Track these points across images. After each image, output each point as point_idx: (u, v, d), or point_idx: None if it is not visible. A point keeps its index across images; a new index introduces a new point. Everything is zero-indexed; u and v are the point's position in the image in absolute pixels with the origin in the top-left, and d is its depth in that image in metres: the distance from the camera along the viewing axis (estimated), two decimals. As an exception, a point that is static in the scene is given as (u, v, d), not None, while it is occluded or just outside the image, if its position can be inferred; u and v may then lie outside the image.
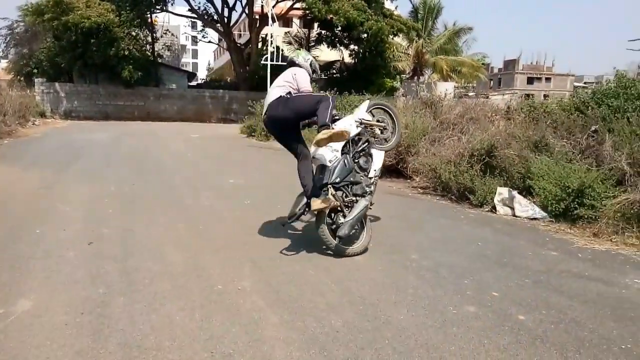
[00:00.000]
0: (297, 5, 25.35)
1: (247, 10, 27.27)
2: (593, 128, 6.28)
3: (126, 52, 22.90)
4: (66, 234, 4.33)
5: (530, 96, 19.70)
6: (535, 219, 5.57)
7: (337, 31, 26.27)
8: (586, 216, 5.07)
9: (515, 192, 5.85)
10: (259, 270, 3.59)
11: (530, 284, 3.52)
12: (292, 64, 4.40)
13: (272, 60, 18.03)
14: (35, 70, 26.37)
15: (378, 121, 4.70)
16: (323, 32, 27.61)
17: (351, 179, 4.13)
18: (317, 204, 3.88)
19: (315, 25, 27.70)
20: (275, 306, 2.96)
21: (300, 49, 4.95)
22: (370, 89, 22.65)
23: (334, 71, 29.49)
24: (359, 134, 4.35)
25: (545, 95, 42.30)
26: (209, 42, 31.63)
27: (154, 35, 27.37)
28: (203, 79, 42.90)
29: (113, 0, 22.84)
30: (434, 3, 32.04)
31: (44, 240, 4.11)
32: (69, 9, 21.22)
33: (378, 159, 4.45)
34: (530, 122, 8.03)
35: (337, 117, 4.33)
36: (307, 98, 4.06)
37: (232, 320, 2.74)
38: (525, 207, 5.70)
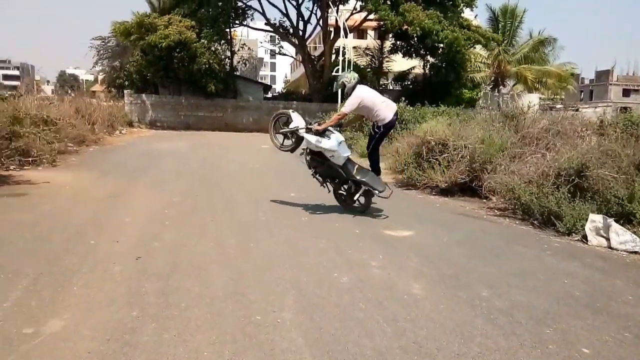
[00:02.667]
0: (371, 17, 25.06)
1: (321, 23, 27.44)
2: None
3: (206, 66, 23.84)
4: (118, 246, 4.27)
5: (628, 109, 17.87)
6: (635, 252, 4.75)
7: (412, 42, 25.63)
8: (703, 254, 4.20)
9: (611, 220, 5.04)
10: (303, 299, 3.24)
11: (632, 339, 2.86)
12: (361, 82, 6.14)
13: (343, 72, 17.82)
14: (126, 83, 28.32)
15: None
16: (398, 42, 27.09)
17: None
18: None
19: (390, 35, 27.21)
20: (315, 347, 2.59)
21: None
22: (448, 100, 21.77)
23: (408, 82, 28.79)
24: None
25: (644, 109, 38.46)
26: (284, 54, 32.24)
27: (233, 49, 28.32)
28: (279, 92, 43.87)
29: (194, 17, 23.90)
30: (515, 10, 30.32)
31: (95, 252, 4.06)
32: (151, 28, 22.58)
33: None
34: (629, 138, 7.05)
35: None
36: None
37: (263, 362, 2.41)
38: (623, 238, 4.89)
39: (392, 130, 6.59)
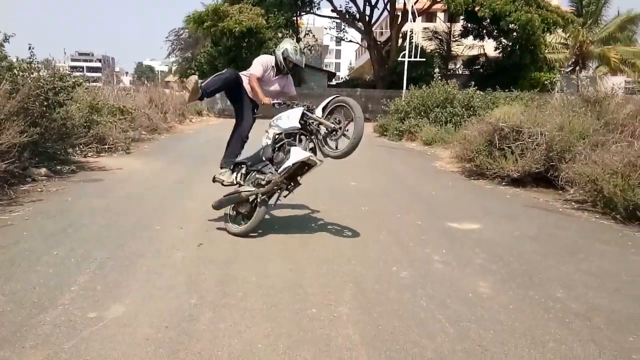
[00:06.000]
0: (440, -1, 24.17)
1: (388, 7, 26.87)
2: None
3: (273, 52, 24.12)
4: (181, 232, 4.38)
5: None
6: None
7: (484, 23, 24.42)
8: None
9: None
10: (361, 294, 3.13)
11: None
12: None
13: (409, 57, 17.33)
14: (196, 73, 29.38)
15: (336, 121, 4.02)
16: (469, 25, 25.94)
17: (259, 167, 4.33)
18: (217, 175, 4.61)
19: (461, 18, 26.10)
20: (371, 345, 2.48)
21: (287, 40, 4.87)
22: (521, 83, 20.60)
23: (478, 66, 27.51)
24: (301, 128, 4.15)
25: None
26: (350, 41, 31.97)
27: (298, 36, 28.47)
28: (343, 78, 43.68)
29: (263, 5, 24.28)
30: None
31: (159, 238, 4.19)
32: (224, 15, 23.15)
33: (292, 158, 4.02)
34: None
35: (287, 105, 4.36)
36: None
37: (317, 358, 2.34)
38: None
39: None
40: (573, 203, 6.11)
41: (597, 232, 4.93)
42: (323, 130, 4.08)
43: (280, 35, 25.68)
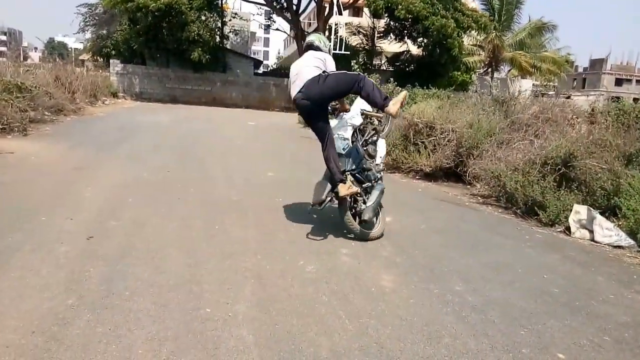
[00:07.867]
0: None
1: (316, -1, 26.76)
2: None
3: (196, 37, 23.04)
4: (71, 223, 3.96)
5: (619, 99, 17.73)
6: (619, 247, 4.55)
7: (405, 23, 25.07)
8: (690, 252, 4.01)
9: (596, 212, 4.84)
10: (262, 290, 2.98)
11: (611, 343, 2.66)
12: (310, 47, 4.29)
13: (335, 49, 17.38)
14: (112, 52, 27.43)
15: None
16: (391, 23, 26.52)
17: (363, 166, 4.23)
18: (345, 190, 3.94)
19: (385, 15, 26.59)
20: (265, 347, 2.34)
21: (320, 34, 4.58)
22: (439, 82, 21.43)
23: (400, 63, 28.27)
24: (364, 124, 4.44)
25: (635, 99, 38.40)
26: (277, 29, 31.52)
27: (223, 20, 27.49)
28: (270, 67, 43.10)
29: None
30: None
31: (44, 229, 3.75)
32: (142, -9, 21.67)
33: (382, 146, 4.51)
34: (619, 128, 6.85)
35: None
36: (345, 76, 4.00)
37: (203, 364, 2.16)
38: (607, 232, 4.69)
39: (309, 114, 4.13)
40: (479, 197, 6.38)
41: (498, 225, 5.16)
42: (376, 121, 4.53)
43: (203, 18, 24.58)
